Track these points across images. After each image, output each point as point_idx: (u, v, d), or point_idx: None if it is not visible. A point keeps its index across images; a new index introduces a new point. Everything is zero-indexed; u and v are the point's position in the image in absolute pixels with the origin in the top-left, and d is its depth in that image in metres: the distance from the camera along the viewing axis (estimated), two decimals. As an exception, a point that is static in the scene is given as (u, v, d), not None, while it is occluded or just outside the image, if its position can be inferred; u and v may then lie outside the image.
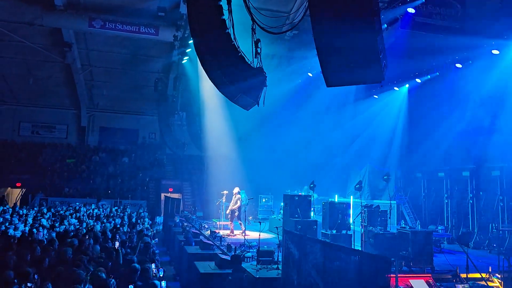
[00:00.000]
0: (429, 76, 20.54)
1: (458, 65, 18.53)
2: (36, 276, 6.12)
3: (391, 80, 20.86)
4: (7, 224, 13.60)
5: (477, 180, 17.44)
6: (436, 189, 19.98)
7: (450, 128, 20.26)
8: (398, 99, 23.14)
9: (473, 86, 18.15)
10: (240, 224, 16.59)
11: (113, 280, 6.07)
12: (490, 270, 9.85)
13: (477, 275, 9.76)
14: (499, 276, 9.57)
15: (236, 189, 17.17)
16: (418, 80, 21.21)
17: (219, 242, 13.40)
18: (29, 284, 5.67)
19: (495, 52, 16.19)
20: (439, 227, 16.37)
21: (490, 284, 9.50)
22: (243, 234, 15.65)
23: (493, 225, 15.72)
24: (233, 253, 10.66)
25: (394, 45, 15.93)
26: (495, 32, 15.12)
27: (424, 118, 22.01)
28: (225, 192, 18.29)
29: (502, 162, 16.30)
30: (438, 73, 20.13)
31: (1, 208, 18.08)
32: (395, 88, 22.67)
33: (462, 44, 16.34)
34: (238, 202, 16.93)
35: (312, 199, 14.86)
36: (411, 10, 14.94)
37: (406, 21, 15.19)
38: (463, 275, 9.74)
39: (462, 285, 9.33)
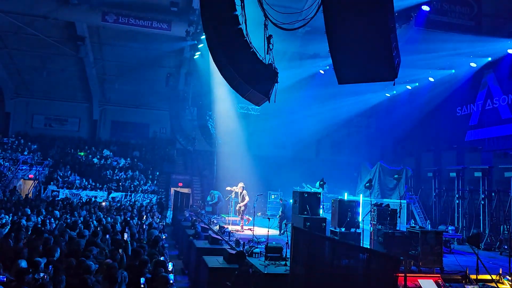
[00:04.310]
0: (441, 75, 20.34)
1: (473, 64, 18.32)
2: (50, 267, 6.21)
3: (404, 78, 20.67)
4: (19, 214, 13.83)
5: (489, 180, 17.22)
6: (447, 189, 19.79)
7: (462, 128, 20.06)
8: (410, 97, 22.94)
9: (488, 85, 17.93)
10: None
11: (125, 272, 6.13)
12: (500, 272, 9.74)
13: (487, 277, 9.66)
14: (509, 278, 9.46)
15: (241, 184, 17.15)
16: (431, 79, 21.01)
17: (227, 237, 13.46)
18: (41, 274, 5.77)
19: (510, 51, 15.96)
20: (449, 227, 16.21)
21: (500, 286, 9.40)
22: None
23: (505, 226, 15.52)
24: (241, 249, 10.71)
25: (408, 42, 15.79)
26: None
27: (436, 117, 21.82)
28: (229, 188, 18.22)
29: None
30: (451, 71, 19.93)
31: (14, 198, 18.39)
32: (408, 86, 22.48)
33: (478, 42, 16.13)
34: (246, 197, 16.93)
35: (321, 196, 14.82)
36: (425, 8, 14.78)
37: (421, 19, 15.04)
38: (473, 276, 9.65)
39: (472, 286, 9.25)
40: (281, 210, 17.03)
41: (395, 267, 4.84)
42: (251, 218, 16.31)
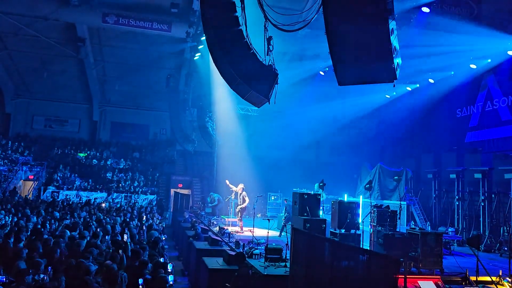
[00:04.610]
0: (441, 76, 20.35)
1: (473, 66, 18.33)
2: (49, 268, 6.21)
3: (404, 80, 20.67)
4: (19, 215, 13.82)
5: (489, 182, 17.21)
6: (447, 191, 19.78)
7: (462, 129, 20.07)
8: (410, 98, 22.95)
9: (488, 87, 17.95)
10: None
11: (124, 273, 6.13)
12: (500, 273, 9.73)
13: (487, 279, 9.66)
14: (509, 279, 9.46)
15: (240, 186, 17.13)
16: (431, 80, 21.02)
17: (227, 239, 13.45)
18: (41, 275, 5.77)
19: (510, 53, 15.96)
20: (449, 229, 16.21)
21: (500, 287, 9.40)
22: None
23: (505, 228, 15.52)
24: (241, 250, 10.70)
25: (408, 44, 15.81)
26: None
27: (436, 118, 21.83)
28: (234, 189, 18.24)
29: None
30: (451, 73, 19.93)
31: (15, 199, 18.38)
32: (408, 88, 22.50)
33: (478, 44, 16.13)
34: (246, 199, 16.92)
35: (321, 198, 14.83)
36: (425, 10, 14.80)
37: (421, 20, 15.06)
38: (473, 278, 9.64)
39: (472, 288, 9.25)
40: (285, 210, 16.96)
41: (395, 268, 4.84)
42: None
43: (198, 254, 10.92)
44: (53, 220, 13.01)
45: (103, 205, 19.61)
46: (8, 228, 10.57)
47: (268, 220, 13.02)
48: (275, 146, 25.87)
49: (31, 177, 24.99)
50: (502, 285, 9.48)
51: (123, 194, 24.33)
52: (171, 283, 6.54)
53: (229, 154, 24.14)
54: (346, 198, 18.09)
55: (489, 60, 17.95)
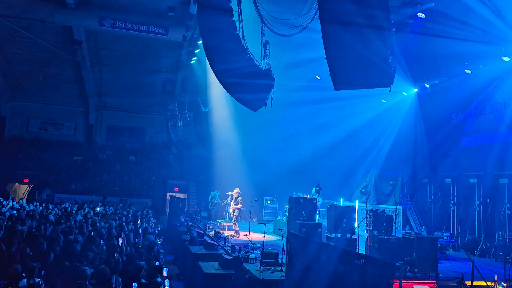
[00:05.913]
0: (437, 81, 20.43)
1: (468, 71, 18.42)
2: (43, 272, 6.17)
3: (400, 84, 20.71)
4: (14, 219, 13.73)
5: (484, 187, 17.27)
6: (443, 195, 19.80)
7: (457, 134, 20.14)
8: (406, 103, 23.04)
9: (483, 92, 18.05)
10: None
11: (119, 278, 6.10)
12: (495, 278, 9.75)
13: (483, 283, 9.68)
14: (504, 284, 9.48)
15: (236, 190, 17.18)
16: (426, 85, 21.12)
17: (223, 243, 13.42)
18: (37, 279, 5.73)
19: (505, 58, 16.08)
20: (444, 234, 16.23)
21: (495, 292, 9.42)
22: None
23: (500, 233, 15.56)
24: (237, 254, 10.69)
25: (403, 49, 15.88)
26: (507, 38, 14.99)
27: (431, 123, 21.91)
28: (230, 193, 18.30)
29: (510, 170, 16.16)
30: (446, 78, 20.01)
31: (10, 203, 18.26)
32: (404, 92, 22.59)
33: (472, 50, 16.21)
34: (240, 203, 16.95)
35: (317, 202, 14.84)
36: (421, 15, 14.88)
37: (416, 26, 15.13)
38: (468, 283, 9.66)
39: (467, 292, 9.26)
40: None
41: (391, 273, 4.86)
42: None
43: (194, 258, 10.91)
44: (48, 224, 12.93)
45: (98, 209, 19.52)
46: (3, 232, 10.50)
47: (264, 224, 13.01)
48: (271, 150, 25.89)
49: (26, 180, 24.86)
50: (497, 290, 9.50)
51: (119, 198, 24.23)
52: (166, 287, 6.51)
53: (226, 158, 24.14)
54: (342, 202, 18.09)
55: (481, 66, 18.03)
